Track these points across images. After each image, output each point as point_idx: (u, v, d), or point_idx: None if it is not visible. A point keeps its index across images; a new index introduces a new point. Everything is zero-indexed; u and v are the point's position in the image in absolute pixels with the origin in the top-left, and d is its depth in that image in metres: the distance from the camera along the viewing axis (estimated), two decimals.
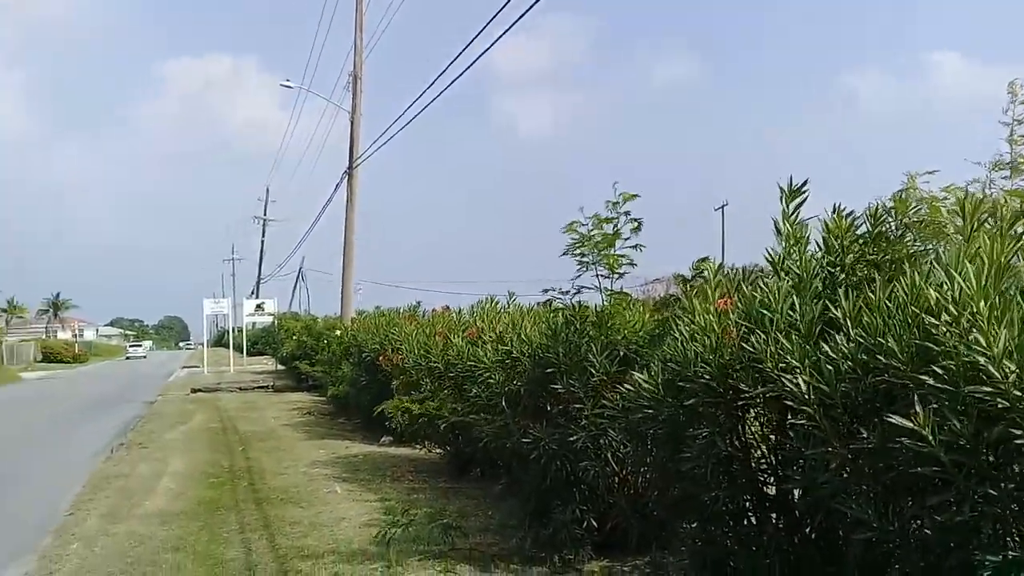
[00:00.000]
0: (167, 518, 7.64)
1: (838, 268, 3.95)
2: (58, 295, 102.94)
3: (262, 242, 63.63)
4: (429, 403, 7.90)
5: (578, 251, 5.98)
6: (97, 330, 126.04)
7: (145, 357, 77.36)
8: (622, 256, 5.97)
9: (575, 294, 6.04)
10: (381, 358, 10.79)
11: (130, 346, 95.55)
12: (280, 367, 32.20)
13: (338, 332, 18.21)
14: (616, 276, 6.00)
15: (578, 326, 5.71)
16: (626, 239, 5.97)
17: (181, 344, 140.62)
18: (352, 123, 23.23)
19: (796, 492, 3.91)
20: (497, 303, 8.97)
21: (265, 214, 62.03)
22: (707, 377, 3.91)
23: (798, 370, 3.28)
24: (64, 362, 61.82)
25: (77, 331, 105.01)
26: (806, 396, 3.22)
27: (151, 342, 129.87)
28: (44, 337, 78.21)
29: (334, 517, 7.38)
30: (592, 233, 5.92)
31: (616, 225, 5.92)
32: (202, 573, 5.84)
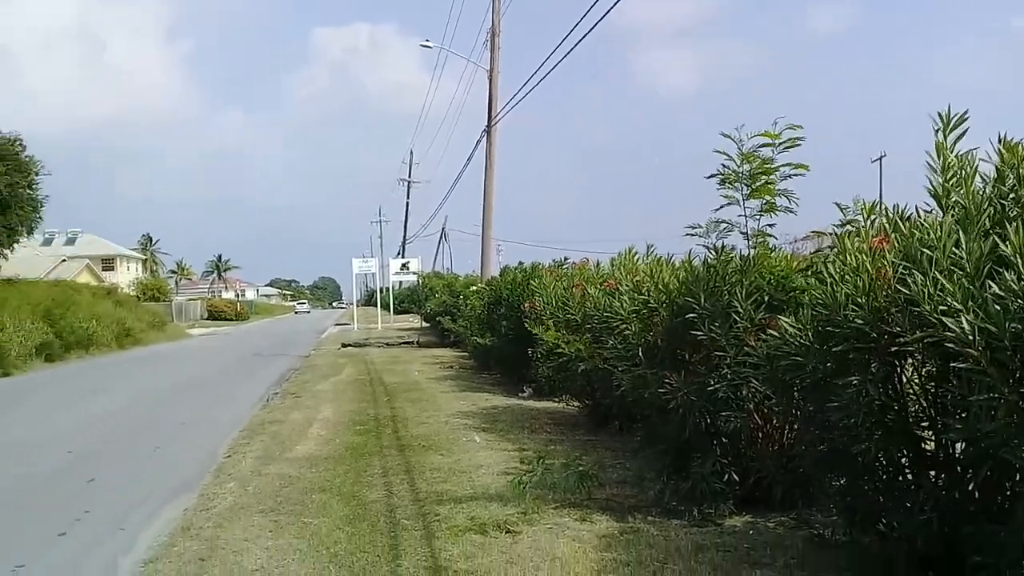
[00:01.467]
0: (315, 461, 7.98)
1: (1011, 201, 3.55)
2: (220, 257, 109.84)
3: (407, 203, 65.41)
4: (574, 343, 7.78)
5: (725, 184, 5.62)
6: (257, 290, 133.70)
7: (309, 312, 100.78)
8: (775, 193, 5.56)
9: (720, 234, 5.72)
10: (527, 305, 10.82)
11: (298, 304, 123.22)
12: (424, 324, 33.14)
13: (473, 288, 18.45)
14: (764, 216, 5.64)
15: (720, 271, 5.47)
16: (784, 176, 5.55)
17: (334, 303, 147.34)
18: (490, 81, 23.26)
19: (957, 444, 3.60)
20: (635, 254, 8.78)
21: (409, 176, 63.65)
22: (859, 321, 3.63)
23: (961, 312, 2.98)
24: (227, 319, 65.94)
25: (239, 291, 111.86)
26: (970, 338, 2.92)
27: (305, 303, 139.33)
28: (209, 296, 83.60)
29: (472, 464, 7.49)
30: (742, 167, 5.52)
31: (772, 160, 5.50)
32: (346, 512, 6.05)
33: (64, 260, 59.28)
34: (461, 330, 19.46)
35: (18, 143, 32.64)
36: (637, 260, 8.70)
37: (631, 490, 6.35)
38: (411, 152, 63.55)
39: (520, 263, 16.79)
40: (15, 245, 33.75)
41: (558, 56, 16.92)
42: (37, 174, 33.36)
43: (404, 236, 66.57)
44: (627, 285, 7.14)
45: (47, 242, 67.65)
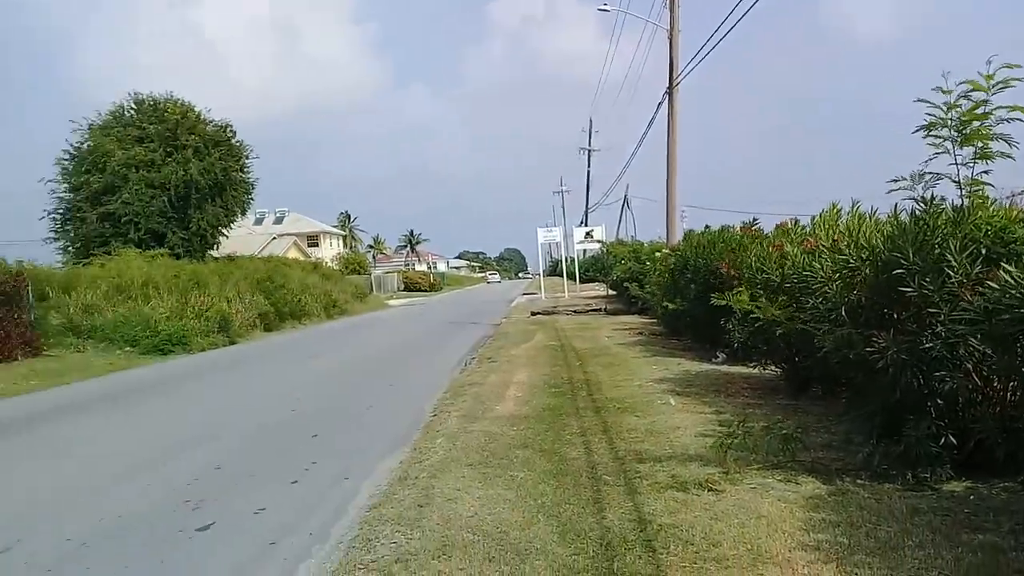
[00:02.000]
0: (515, 420, 8.32)
1: None
2: (412, 231, 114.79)
3: (588, 172, 65.47)
4: (767, 307, 7.63)
5: (931, 132, 5.32)
6: (447, 262, 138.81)
7: (500, 283, 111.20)
8: (990, 137, 5.19)
9: (927, 185, 5.42)
10: (724, 268, 10.66)
11: (489, 275, 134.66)
12: (611, 292, 33.18)
13: (657, 255, 18.29)
14: (978, 164, 5.29)
15: (930, 223, 5.18)
16: (1000, 120, 5.17)
17: (519, 274, 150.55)
18: (670, 40, 22.72)
19: None
20: (838, 211, 8.44)
21: (589, 145, 63.61)
22: None
23: None
24: (421, 291, 69.02)
25: (431, 263, 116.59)
26: None
27: (496, 273, 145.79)
28: (404, 269, 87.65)
29: (669, 426, 7.53)
30: (949, 114, 5.20)
31: (986, 103, 5.13)
32: (549, 467, 6.29)
33: (274, 238, 64.16)
34: (649, 296, 19.38)
35: (229, 129, 35.55)
36: (839, 218, 8.38)
37: (837, 453, 6.18)
38: (590, 120, 63.64)
39: (707, 226, 16.49)
40: (232, 225, 36.90)
41: (744, 7, 16.30)
42: (247, 158, 36.26)
43: (586, 204, 66.83)
44: (827, 243, 6.92)
45: (258, 221, 73.27)
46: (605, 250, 36.86)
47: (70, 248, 32.60)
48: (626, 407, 8.68)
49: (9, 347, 16.88)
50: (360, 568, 4.47)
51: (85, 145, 32.90)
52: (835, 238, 7.22)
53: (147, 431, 9.87)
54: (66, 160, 32.93)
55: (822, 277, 6.32)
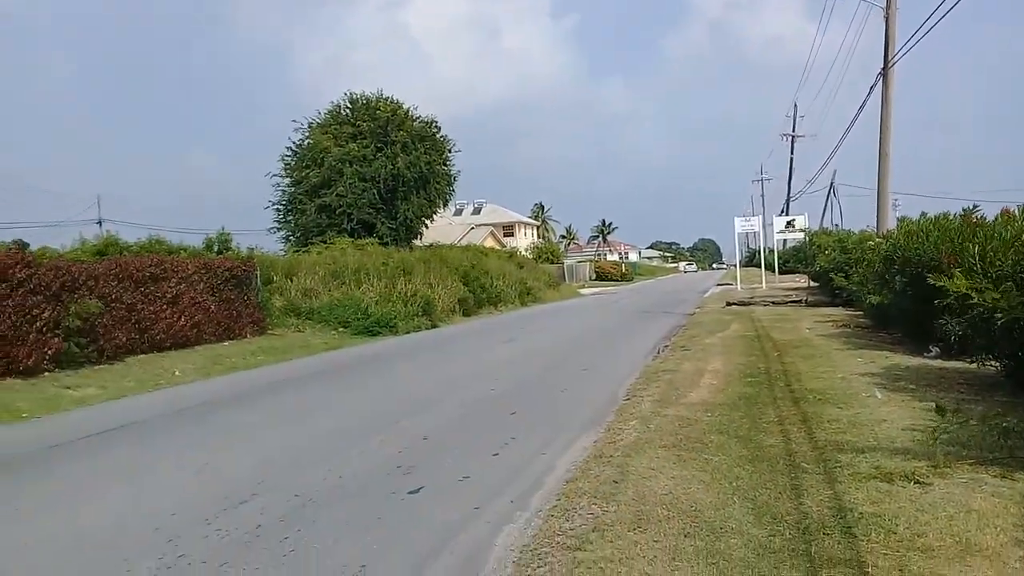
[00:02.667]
0: (710, 407, 8.29)
1: None
2: (604, 221, 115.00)
3: (791, 159, 62.81)
4: (989, 291, 7.12)
5: None
6: (639, 252, 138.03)
7: (696, 272, 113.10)
8: None
9: None
10: (944, 259, 10.02)
11: (685, 264, 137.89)
12: (812, 283, 31.83)
13: (870, 244, 17.35)
14: None
15: None
16: None
17: (714, 264, 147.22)
18: (887, 19, 21.44)
19: None
20: None
21: (793, 131, 60.99)
22: None
23: None
24: (612, 280, 69.04)
25: (623, 253, 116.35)
26: None
27: (693, 263, 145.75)
28: (595, 258, 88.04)
29: (873, 418, 7.25)
30: None
31: None
32: (744, 453, 6.27)
33: (472, 228, 66.45)
34: (855, 287, 18.47)
35: (434, 125, 37.28)
36: None
37: None
38: (795, 106, 60.86)
39: (923, 213, 15.47)
40: (434, 215, 38.70)
41: None
42: (450, 151, 37.89)
43: (788, 193, 64.12)
44: None
45: (458, 212, 76.22)
46: (808, 240, 35.31)
47: (291, 237, 35.47)
48: (827, 398, 8.42)
49: (240, 326, 18.67)
50: (559, 534, 4.71)
51: (305, 142, 35.68)
52: None
53: (361, 403, 10.69)
54: (288, 156, 35.87)
55: None
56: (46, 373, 12.79)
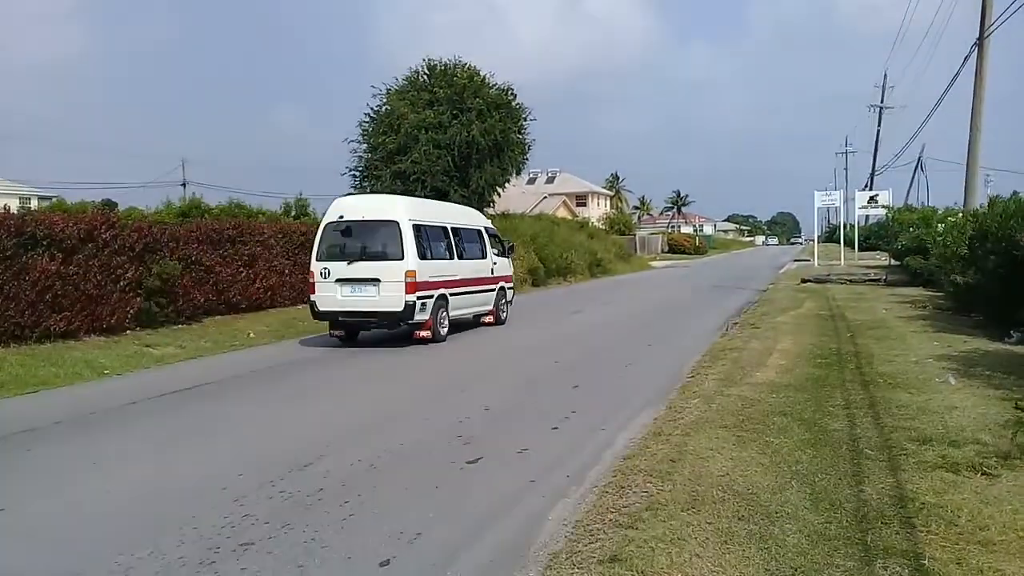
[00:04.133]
0: (775, 388, 8.17)
1: None
2: (679, 192, 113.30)
3: (877, 132, 60.63)
4: None
5: None
6: (715, 225, 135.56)
7: (777, 244, 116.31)
8: None
9: None
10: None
11: (765, 239, 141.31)
12: (893, 261, 30.88)
13: (951, 220, 16.75)
14: None
15: None
16: None
17: (791, 240, 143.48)
18: None
19: None
20: None
21: (882, 102, 58.88)
22: None
23: None
24: (686, 253, 68.10)
25: (697, 225, 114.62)
26: None
27: (775, 237, 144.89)
28: (669, 231, 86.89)
29: (945, 405, 7.05)
30: None
31: None
32: (807, 437, 6.17)
33: (545, 197, 66.25)
34: (934, 268, 17.87)
35: (511, 92, 37.09)
36: None
37: None
38: (884, 75, 58.90)
39: (1015, 192, 14.84)
40: (507, 184, 38.66)
41: None
42: (525, 119, 37.69)
43: (873, 167, 62.02)
44: None
45: (531, 181, 76.00)
46: (891, 217, 34.21)
47: None
48: (898, 383, 8.21)
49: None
50: (612, 511, 4.73)
51: (383, 109, 35.97)
52: None
53: (431, 370, 10.90)
54: (366, 122, 36.23)
55: None
56: (128, 332, 13.37)
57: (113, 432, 7.61)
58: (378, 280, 12.27)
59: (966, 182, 21.73)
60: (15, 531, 4.92)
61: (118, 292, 13.23)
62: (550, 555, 4.17)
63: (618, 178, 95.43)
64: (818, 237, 46.14)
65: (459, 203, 34.14)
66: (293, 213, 23.97)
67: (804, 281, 25.94)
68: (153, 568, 4.16)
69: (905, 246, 24.98)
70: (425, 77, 36.78)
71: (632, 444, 6.36)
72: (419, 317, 12.44)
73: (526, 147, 38.20)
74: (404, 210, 12.88)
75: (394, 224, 12.45)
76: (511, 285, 16.75)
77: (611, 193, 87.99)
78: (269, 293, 17.41)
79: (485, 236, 15.74)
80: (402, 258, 12.25)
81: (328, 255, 12.69)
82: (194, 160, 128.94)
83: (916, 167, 56.98)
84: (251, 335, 14.40)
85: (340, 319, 12.90)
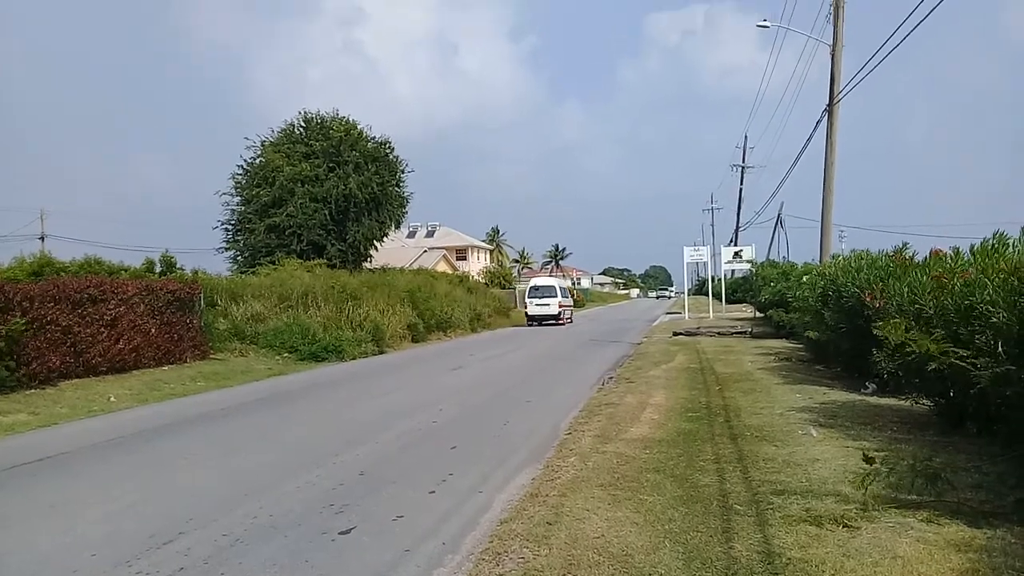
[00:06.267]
0: (648, 444, 8.31)
1: None
2: (557, 246, 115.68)
3: (740, 190, 63.79)
4: (923, 341, 7.28)
5: None
6: (592, 278, 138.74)
7: (670, 298, 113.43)
8: None
9: None
10: (868, 298, 10.22)
11: (658, 290, 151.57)
12: (758, 314, 32.34)
13: (805, 278, 17.69)
14: None
15: None
16: None
17: (659, 294, 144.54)
18: (832, 56, 22.00)
19: None
20: (1007, 240, 7.93)
21: (743, 162, 62.08)
22: None
23: None
24: None
25: (575, 279, 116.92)
26: None
27: (654, 291, 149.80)
28: None
29: (808, 458, 7.34)
30: None
31: None
32: (679, 493, 6.28)
33: (425, 251, 66.21)
34: (795, 321, 18.77)
35: (388, 146, 37.13)
36: (1006, 248, 7.88)
37: (987, 495, 5.86)
38: (745, 137, 62.53)
39: (852, 250, 15.79)
40: (385, 238, 38.43)
41: (911, 23, 15.54)
42: (403, 172, 37.73)
43: (737, 223, 65.14)
44: (994, 276, 6.54)
45: (411, 234, 75.95)
46: (754, 271, 35.92)
47: (239, 257, 34.91)
48: (764, 436, 8.51)
49: (181, 350, 18.28)
50: None
51: (257, 161, 35.23)
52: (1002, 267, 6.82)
53: (300, 434, 10.49)
54: (239, 175, 35.37)
55: (983, 309, 6.01)
56: None
57: None
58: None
59: (821, 238, 23.12)
60: None
61: None
62: None
63: (498, 232, 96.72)
64: (688, 290, 47.86)
65: (336, 257, 33.83)
66: (159, 269, 22.97)
67: (676, 334, 26.77)
68: None
69: (768, 300, 26.20)
70: (301, 130, 36.37)
71: (509, 506, 6.30)
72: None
73: (405, 200, 38.16)
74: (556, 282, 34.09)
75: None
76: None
77: (491, 247, 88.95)
78: (133, 354, 16.53)
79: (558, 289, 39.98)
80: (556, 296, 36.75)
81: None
82: (56, 212, 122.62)
83: (776, 224, 60.29)
84: (112, 399, 13.59)
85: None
